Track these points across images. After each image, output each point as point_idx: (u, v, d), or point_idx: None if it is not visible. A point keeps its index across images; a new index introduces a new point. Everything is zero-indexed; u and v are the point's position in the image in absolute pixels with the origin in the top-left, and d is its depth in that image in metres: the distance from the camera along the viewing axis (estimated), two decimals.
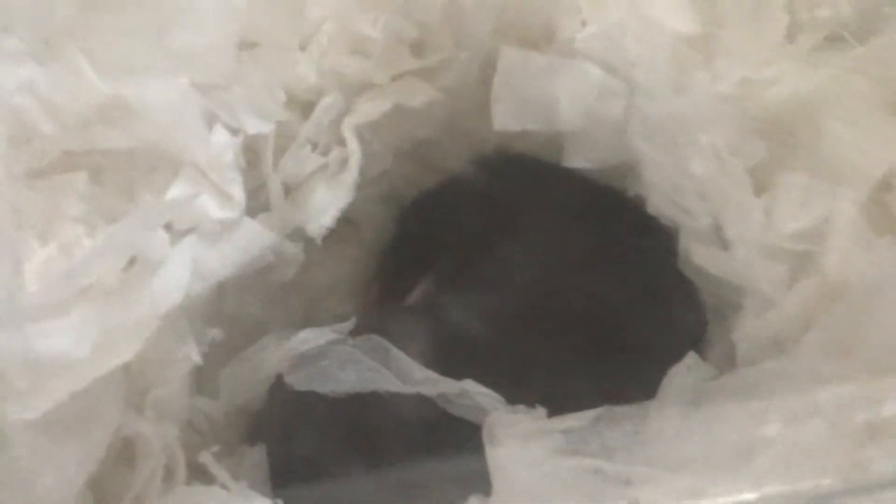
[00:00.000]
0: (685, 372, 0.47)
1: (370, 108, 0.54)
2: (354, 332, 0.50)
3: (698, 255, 0.51)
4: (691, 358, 0.48)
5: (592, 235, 0.55)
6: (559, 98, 0.54)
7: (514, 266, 0.55)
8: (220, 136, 0.50)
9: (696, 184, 0.50)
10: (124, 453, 0.46)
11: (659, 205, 0.52)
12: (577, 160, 0.55)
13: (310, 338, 0.50)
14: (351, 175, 0.53)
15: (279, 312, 0.55)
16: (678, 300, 0.53)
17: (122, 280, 0.45)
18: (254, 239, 0.50)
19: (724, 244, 0.50)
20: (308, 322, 0.54)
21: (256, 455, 0.51)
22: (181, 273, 0.46)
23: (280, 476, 0.50)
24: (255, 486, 0.48)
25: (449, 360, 0.50)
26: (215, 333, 0.50)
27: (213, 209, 0.49)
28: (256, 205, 0.52)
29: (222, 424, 0.51)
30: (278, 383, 0.51)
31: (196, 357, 0.47)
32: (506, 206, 0.57)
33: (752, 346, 0.48)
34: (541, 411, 0.46)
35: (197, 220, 0.49)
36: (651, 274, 0.53)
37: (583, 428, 0.45)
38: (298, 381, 0.50)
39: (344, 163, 0.53)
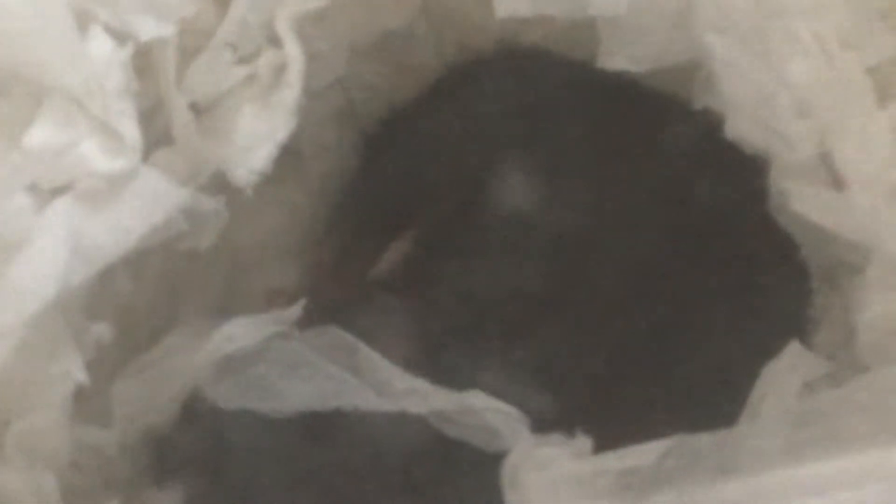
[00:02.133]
0: (787, 370, 0.37)
1: None
2: (303, 322, 0.40)
3: (798, 198, 0.40)
4: (794, 349, 0.38)
5: (643, 172, 0.43)
6: None
7: (531, 219, 0.43)
8: (101, 45, 0.38)
9: (794, 95, 0.40)
10: None
11: (740, 126, 0.41)
12: (617, 59, 0.43)
13: (238, 333, 0.40)
14: (291, 91, 0.41)
15: (192, 293, 0.46)
16: (771, 264, 0.42)
17: None
18: (157, 197, 0.38)
19: (837, 183, 0.40)
20: (233, 305, 0.45)
21: (167, 500, 0.41)
22: (54, 254, 0.36)
23: None
24: None
25: (441, 362, 0.40)
26: (102, 331, 0.39)
27: (95, 158, 0.38)
28: (152, 140, 0.40)
29: (118, 460, 0.41)
30: (195, 399, 0.40)
31: (79, 374, 0.37)
32: (514, 128, 0.45)
33: (881, 330, 0.39)
34: (584, 442, 0.36)
35: (73, 175, 0.38)
36: (731, 227, 0.42)
37: (646, 467, 0.35)
38: (224, 396, 0.39)
39: (279, 72, 0.42)
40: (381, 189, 0.48)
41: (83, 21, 0.39)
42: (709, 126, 0.42)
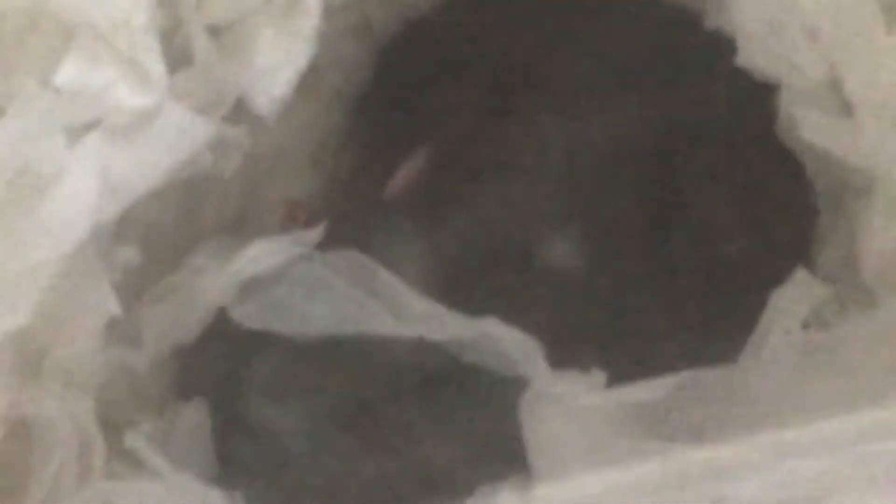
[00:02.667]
0: (793, 298, 0.37)
1: None
2: (325, 243, 0.39)
3: (807, 125, 0.39)
4: (801, 276, 0.38)
5: (657, 95, 0.42)
6: None
7: (550, 137, 0.42)
8: None
9: (804, 19, 0.39)
10: (21, 436, 0.38)
11: (751, 52, 0.40)
12: None
13: (261, 255, 0.39)
14: (310, 18, 0.40)
15: (212, 207, 0.44)
16: (778, 185, 0.42)
17: None
18: (182, 132, 0.38)
19: (846, 108, 0.39)
20: (251, 217, 0.45)
21: (194, 413, 0.41)
22: (86, 191, 0.36)
23: (227, 441, 0.41)
24: (194, 456, 0.40)
25: (458, 287, 0.40)
26: (129, 254, 0.40)
27: (122, 94, 0.37)
28: (171, 62, 0.39)
29: (148, 378, 0.41)
30: (220, 318, 0.40)
31: (112, 306, 0.37)
32: (529, 43, 0.44)
33: (885, 257, 0.38)
34: (598, 376, 0.36)
35: (101, 111, 0.37)
36: (740, 150, 0.42)
37: (659, 400, 0.35)
38: (248, 316, 0.39)
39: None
40: (396, 103, 0.47)
41: None
42: (720, 49, 0.41)
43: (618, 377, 0.36)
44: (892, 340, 0.35)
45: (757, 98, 0.41)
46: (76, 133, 0.38)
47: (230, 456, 0.40)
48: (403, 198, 0.44)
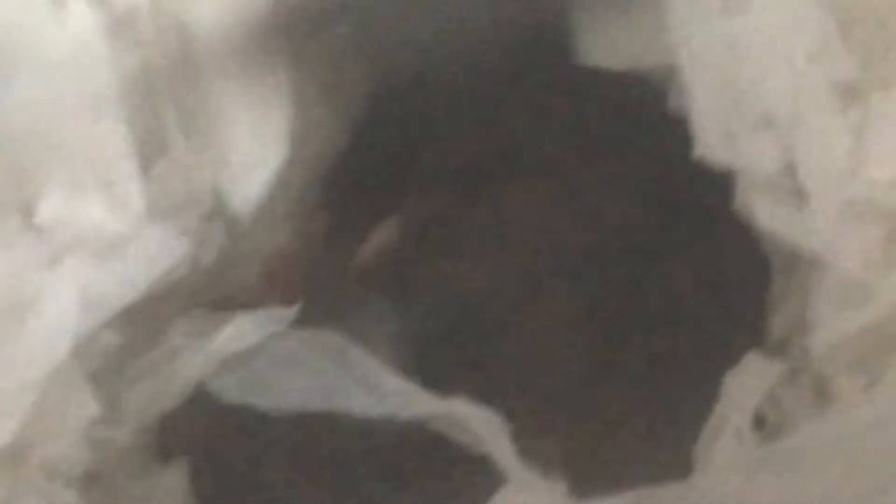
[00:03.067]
0: (747, 381, 0.38)
1: None
2: (300, 318, 0.40)
3: (762, 211, 0.40)
4: (753, 359, 0.39)
5: (620, 175, 0.44)
6: None
7: (520, 217, 0.44)
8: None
9: (760, 105, 0.39)
10: None
11: (707, 137, 0.40)
12: (592, 55, 0.43)
13: (238, 333, 0.40)
14: (284, 111, 0.41)
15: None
16: (734, 257, 0.43)
17: None
18: (162, 250, 0.39)
19: (800, 196, 0.39)
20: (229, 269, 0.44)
21: (174, 476, 0.42)
22: (67, 312, 0.37)
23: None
24: None
25: (428, 363, 0.41)
26: (108, 339, 0.40)
27: (102, 220, 0.38)
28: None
29: (129, 446, 0.41)
30: (200, 390, 0.41)
31: (95, 409, 0.38)
32: (507, 117, 0.46)
33: (836, 348, 0.39)
34: (558, 488, 0.37)
35: (81, 236, 0.38)
36: (699, 227, 0.43)
37: None
38: (226, 390, 0.40)
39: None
40: (369, 171, 0.47)
41: None
42: (681, 135, 0.41)
43: (580, 471, 0.37)
44: (847, 447, 0.35)
45: (714, 183, 0.41)
46: (55, 255, 0.38)
47: None
48: (376, 266, 0.45)
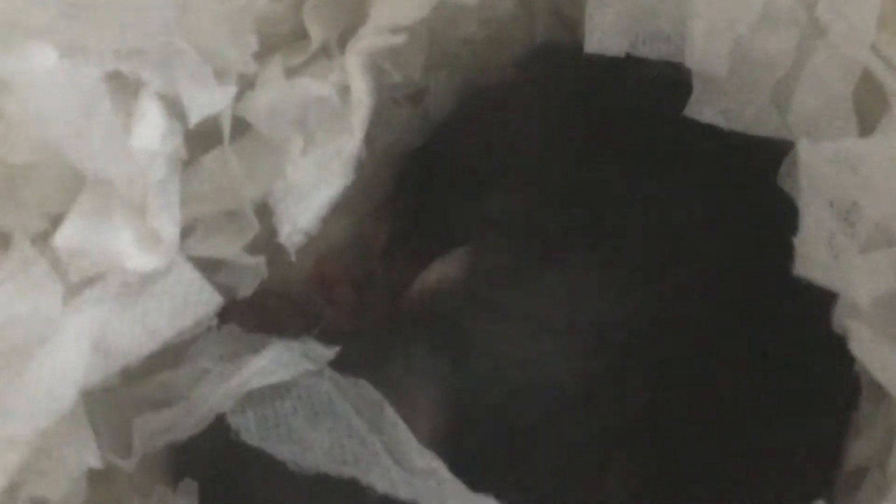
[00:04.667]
0: None
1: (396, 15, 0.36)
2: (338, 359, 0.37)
3: (857, 341, 0.36)
4: None
5: (710, 262, 0.39)
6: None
7: (585, 294, 0.40)
8: (147, 135, 0.33)
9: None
10: None
11: (808, 261, 0.36)
12: (706, 113, 0.38)
13: (270, 367, 0.37)
14: (353, 141, 0.36)
15: None
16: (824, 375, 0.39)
17: None
18: (191, 299, 0.35)
19: None
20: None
21: (183, 499, 0.39)
22: (76, 360, 0.33)
23: None
24: None
25: (468, 437, 0.38)
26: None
27: (128, 253, 0.34)
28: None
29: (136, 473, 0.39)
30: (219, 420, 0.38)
31: (94, 461, 0.35)
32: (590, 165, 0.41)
33: None
34: None
35: (103, 268, 0.34)
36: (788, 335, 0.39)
37: None
38: (246, 428, 0.37)
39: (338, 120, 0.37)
40: (440, 190, 0.44)
41: (133, 89, 0.34)
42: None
43: None
44: None
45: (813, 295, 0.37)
46: (70, 291, 0.35)
47: None
48: (431, 303, 0.41)
